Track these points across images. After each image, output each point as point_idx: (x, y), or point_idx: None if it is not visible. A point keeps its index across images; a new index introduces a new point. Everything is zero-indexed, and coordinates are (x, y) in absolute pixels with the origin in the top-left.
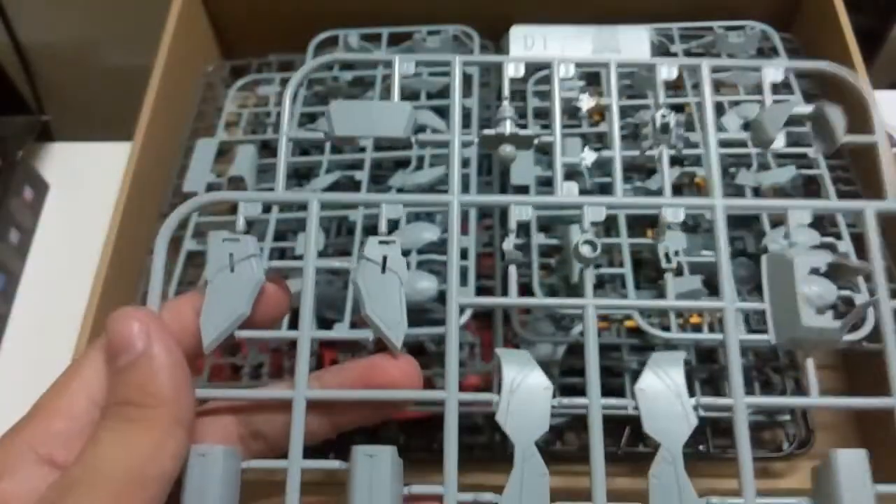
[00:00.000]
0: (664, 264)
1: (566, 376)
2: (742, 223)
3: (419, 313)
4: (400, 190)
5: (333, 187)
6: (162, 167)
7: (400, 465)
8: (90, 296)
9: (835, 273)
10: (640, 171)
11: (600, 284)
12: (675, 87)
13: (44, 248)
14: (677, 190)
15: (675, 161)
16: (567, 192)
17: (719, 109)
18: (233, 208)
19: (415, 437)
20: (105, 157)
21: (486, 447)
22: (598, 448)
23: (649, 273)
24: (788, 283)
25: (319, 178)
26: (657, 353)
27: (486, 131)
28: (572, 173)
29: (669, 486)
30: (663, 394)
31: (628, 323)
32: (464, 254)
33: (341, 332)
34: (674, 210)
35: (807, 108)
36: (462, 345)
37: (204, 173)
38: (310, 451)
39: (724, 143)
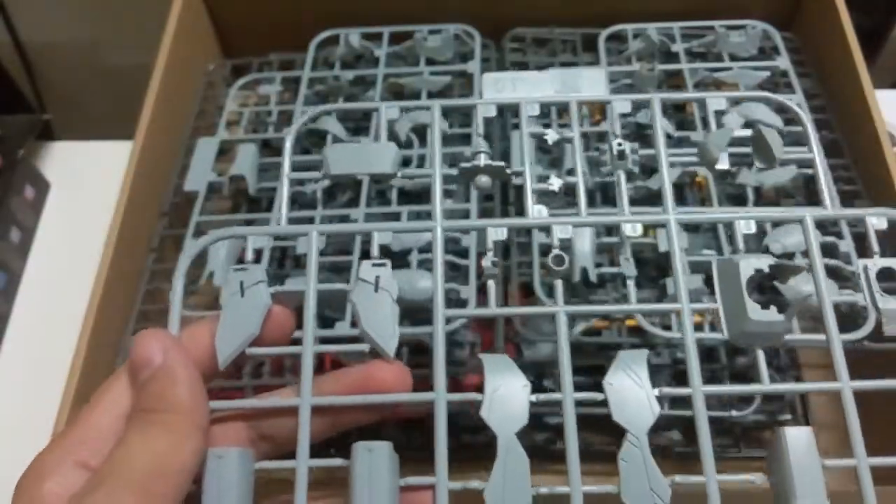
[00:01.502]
0: (627, 273)
1: None
2: None
3: (419, 312)
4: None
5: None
6: (163, 166)
7: (396, 459)
8: (90, 295)
9: (777, 273)
10: (644, 171)
11: (601, 283)
12: (675, 86)
13: (45, 248)
14: (679, 188)
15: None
16: (538, 213)
17: None
18: (233, 208)
19: (416, 437)
20: (106, 155)
21: (487, 446)
22: (573, 439)
23: (650, 272)
24: (736, 284)
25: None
26: (623, 352)
27: (464, 165)
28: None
29: (638, 467)
30: (629, 387)
31: (629, 322)
32: (465, 253)
33: (341, 345)
34: (632, 225)
35: (747, 132)
36: (463, 344)
37: (205, 172)
38: (313, 450)
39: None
